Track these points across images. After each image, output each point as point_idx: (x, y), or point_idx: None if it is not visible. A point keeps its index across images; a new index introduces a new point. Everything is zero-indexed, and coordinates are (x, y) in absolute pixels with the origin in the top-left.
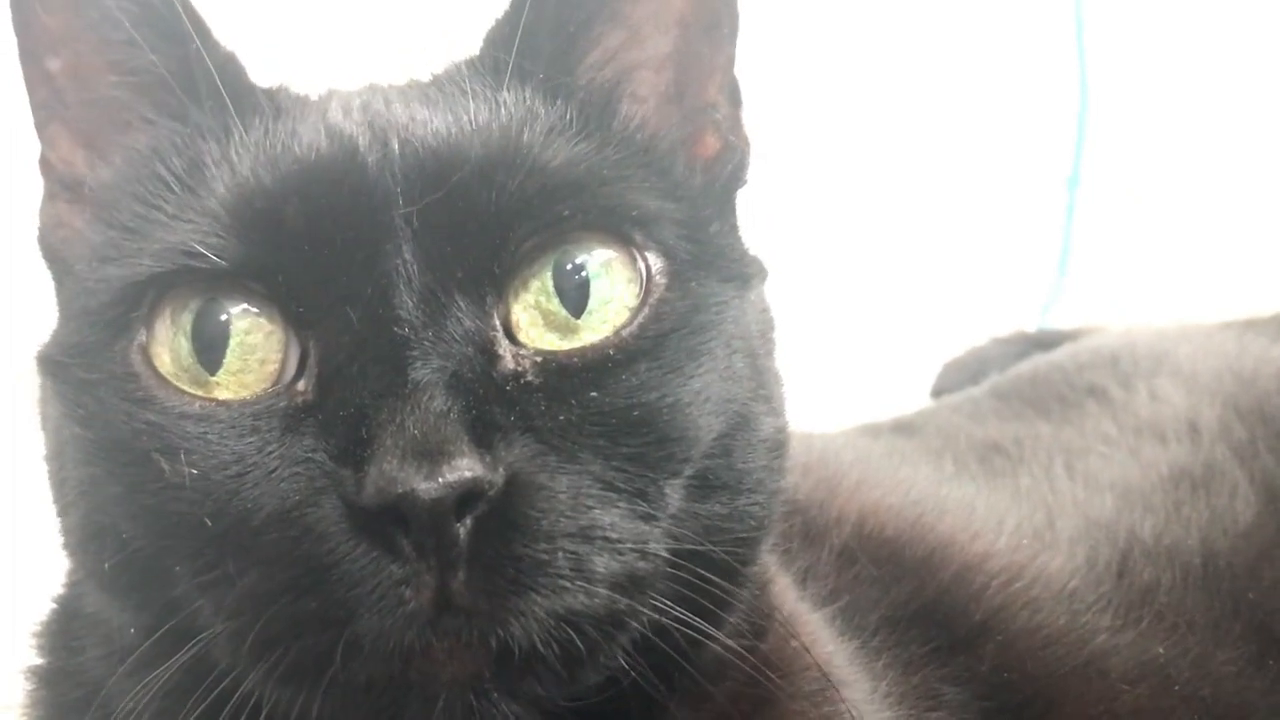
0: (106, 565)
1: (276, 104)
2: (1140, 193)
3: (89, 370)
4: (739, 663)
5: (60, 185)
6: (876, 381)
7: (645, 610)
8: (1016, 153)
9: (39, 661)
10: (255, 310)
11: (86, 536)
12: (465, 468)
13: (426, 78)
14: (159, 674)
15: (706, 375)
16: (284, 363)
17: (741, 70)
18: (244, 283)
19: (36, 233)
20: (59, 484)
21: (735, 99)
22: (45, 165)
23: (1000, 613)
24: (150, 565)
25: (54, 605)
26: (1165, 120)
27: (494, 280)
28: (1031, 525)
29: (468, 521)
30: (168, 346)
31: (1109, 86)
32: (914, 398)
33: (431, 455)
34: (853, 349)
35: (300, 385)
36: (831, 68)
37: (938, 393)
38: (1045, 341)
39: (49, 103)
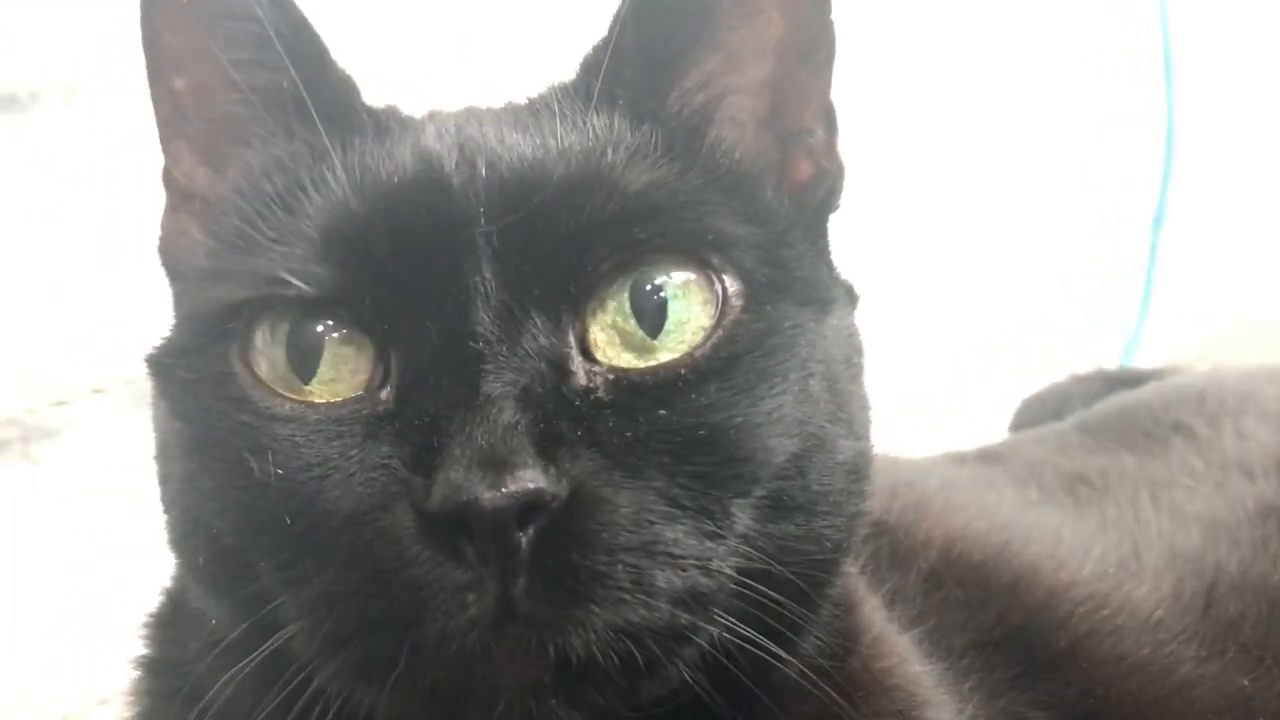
0: (201, 559)
1: (380, 126)
2: (1224, 233)
3: (190, 370)
4: (821, 683)
5: (181, 198)
6: (956, 416)
7: (709, 627)
8: (1102, 192)
9: (145, 652)
10: (345, 329)
11: (184, 532)
12: (529, 479)
13: (523, 100)
14: (243, 665)
15: (779, 397)
16: (372, 372)
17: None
18: (332, 308)
19: (158, 242)
20: (163, 481)
21: (831, 124)
22: (168, 178)
23: (1086, 640)
24: (237, 560)
25: (163, 598)
26: (1250, 161)
27: (570, 299)
28: (1118, 555)
29: (530, 531)
30: (265, 355)
31: (1195, 128)
32: (993, 434)
33: (496, 466)
34: (934, 383)
35: (383, 394)
36: (921, 106)
37: (1016, 428)
38: (1127, 380)
39: (173, 119)
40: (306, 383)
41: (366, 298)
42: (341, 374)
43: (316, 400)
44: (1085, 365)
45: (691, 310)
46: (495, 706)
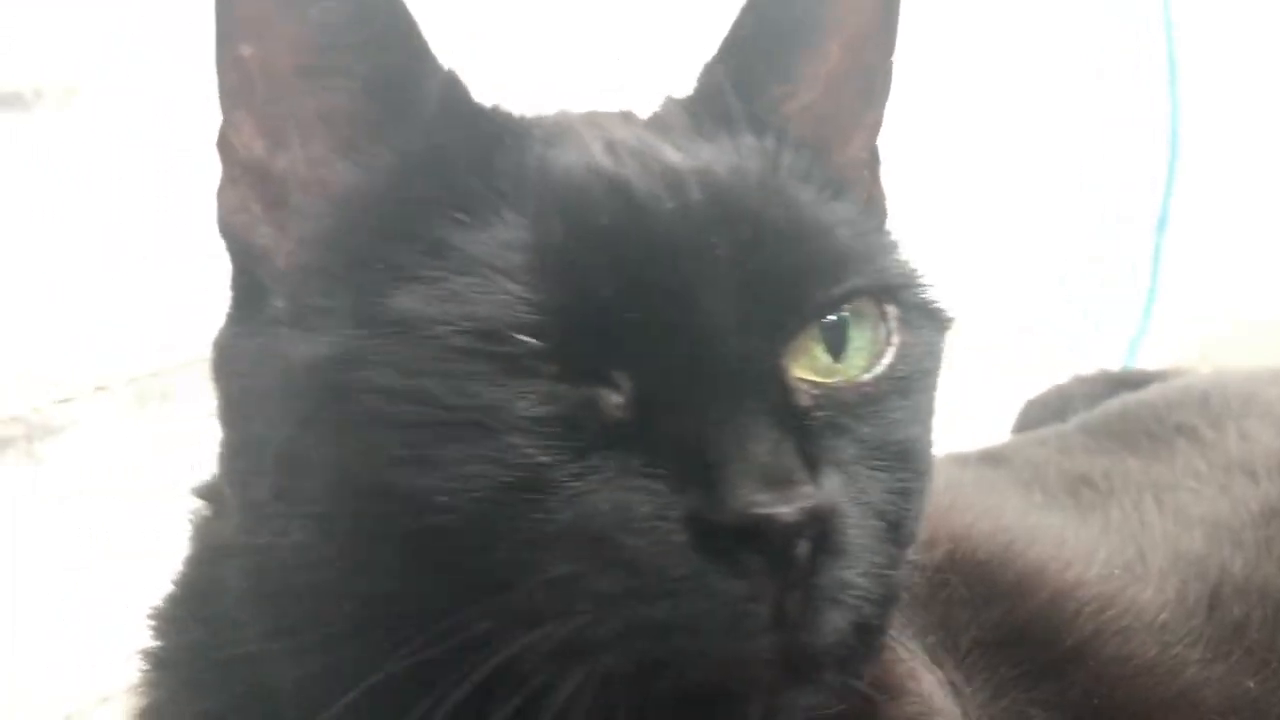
0: (413, 548)
1: (519, 136)
2: (1226, 234)
3: (398, 373)
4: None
5: (241, 169)
6: (958, 417)
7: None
8: (1104, 193)
9: (155, 644)
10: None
11: (373, 519)
12: (808, 495)
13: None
14: (412, 658)
15: (930, 415)
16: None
17: None
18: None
19: (218, 216)
20: (290, 463)
21: (877, 153)
22: (225, 147)
23: (1091, 640)
24: (464, 550)
25: (173, 588)
26: (1253, 162)
27: (780, 327)
28: (1123, 558)
29: (808, 545)
30: None
31: (1198, 128)
32: (995, 434)
33: (780, 483)
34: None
35: (615, 400)
36: (922, 107)
37: (1020, 430)
38: (1130, 381)
39: (238, 88)
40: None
41: (590, 329)
42: (546, 381)
43: (520, 403)
44: (1087, 366)
45: (864, 334)
46: (742, 707)
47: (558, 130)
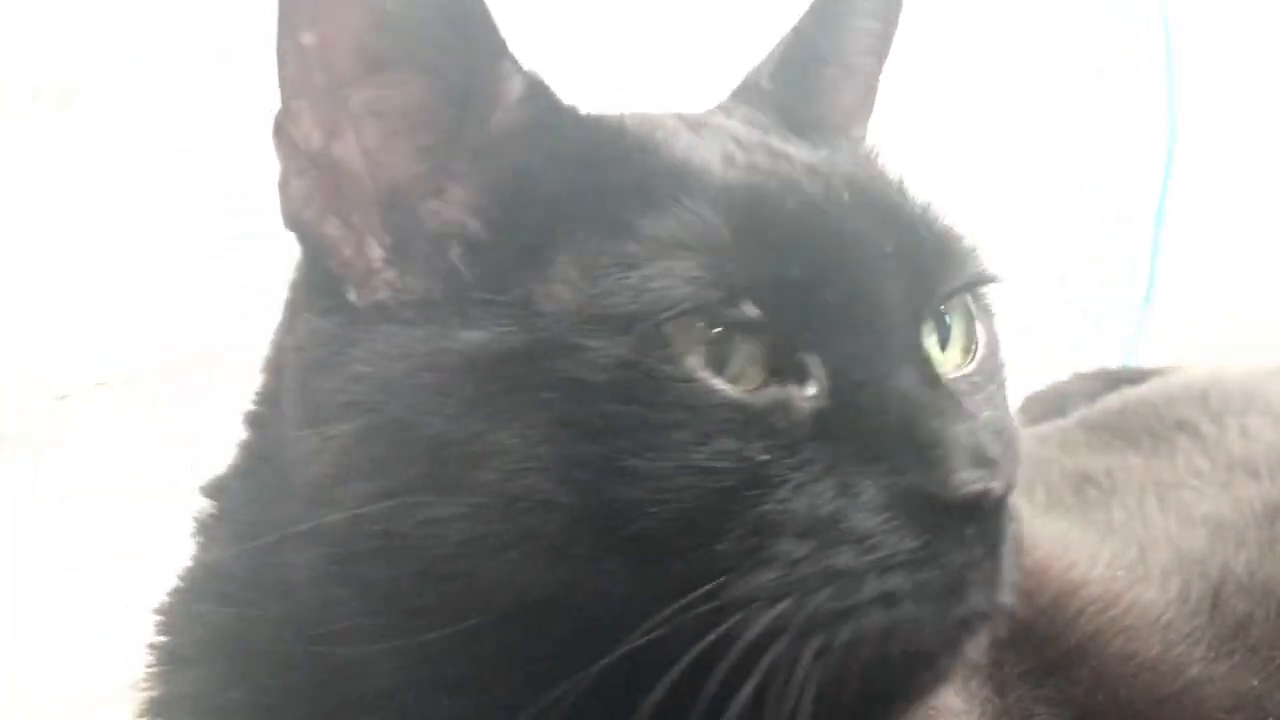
0: (616, 537)
1: (641, 135)
2: (1226, 233)
3: (583, 367)
4: None
5: (306, 160)
6: None
7: None
8: (1102, 192)
9: (166, 639)
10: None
11: (570, 514)
12: (1007, 471)
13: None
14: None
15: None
16: (772, 367)
17: None
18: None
19: (282, 209)
20: (453, 452)
21: None
22: (282, 137)
23: (1095, 638)
24: (684, 539)
25: (183, 583)
26: (1252, 161)
27: (920, 316)
28: (1126, 557)
29: (1006, 514)
30: (691, 352)
31: (1197, 127)
32: None
33: (987, 461)
34: None
35: (811, 390)
36: (920, 107)
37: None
38: (1129, 378)
39: (297, 77)
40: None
41: (788, 313)
42: (746, 371)
43: (733, 392)
44: (1086, 365)
45: (961, 325)
46: (933, 666)
47: (672, 129)
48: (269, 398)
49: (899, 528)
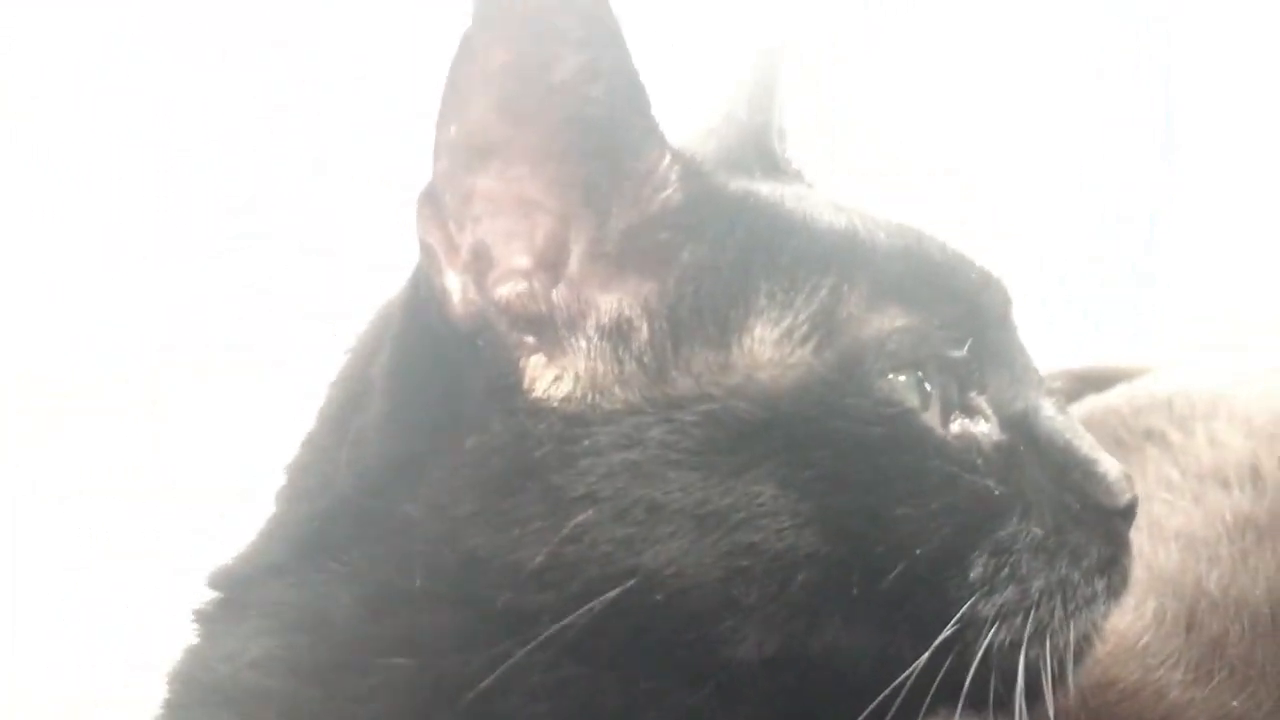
0: (872, 582)
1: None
2: (1225, 233)
3: (843, 415)
4: None
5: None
6: None
7: None
8: (1101, 192)
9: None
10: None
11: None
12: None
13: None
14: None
15: None
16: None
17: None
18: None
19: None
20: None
21: None
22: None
23: None
24: (939, 573)
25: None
26: (1251, 160)
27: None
28: None
29: None
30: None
31: (1197, 123)
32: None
33: (1127, 475)
34: None
35: (985, 428)
36: (917, 106)
37: None
38: (1093, 378)
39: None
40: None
41: (972, 351)
42: (939, 409)
43: (957, 432)
44: (1081, 359)
45: None
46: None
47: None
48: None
49: (1091, 537)
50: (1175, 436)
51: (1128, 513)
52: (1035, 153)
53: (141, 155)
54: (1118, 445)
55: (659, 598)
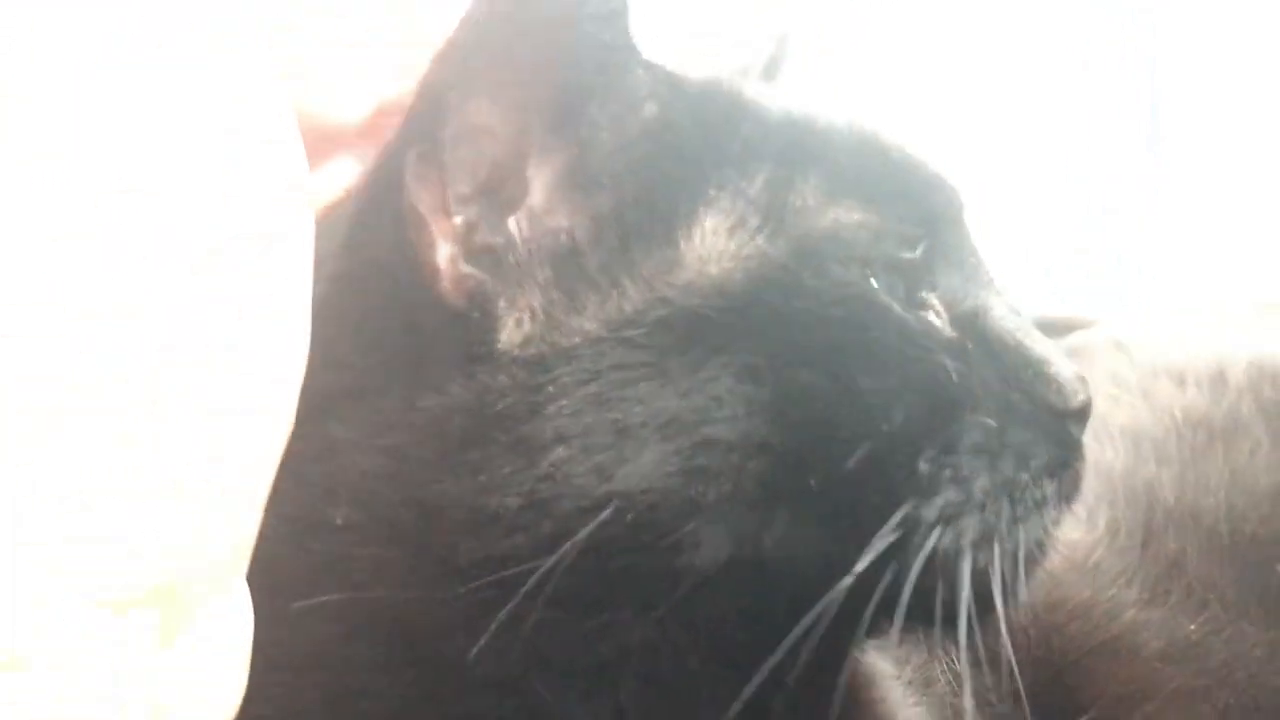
0: (826, 469)
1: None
2: (1210, 225)
3: (809, 297)
4: None
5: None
6: None
7: None
8: (1088, 184)
9: None
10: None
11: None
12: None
13: None
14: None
15: None
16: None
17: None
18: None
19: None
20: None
21: None
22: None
23: None
24: (890, 464)
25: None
26: (1235, 152)
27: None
28: None
29: None
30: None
31: (1182, 116)
32: None
33: (1080, 376)
34: None
35: (938, 323)
36: (913, 103)
37: None
38: (1054, 328)
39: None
40: None
41: (927, 252)
42: None
43: (915, 318)
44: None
45: None
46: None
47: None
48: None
49: (1041, 439)
50: (1136, 342)
51: (1080, 415)
52: (1021, 144)
53: None
54: (1073, 352)
55: (630, 519)
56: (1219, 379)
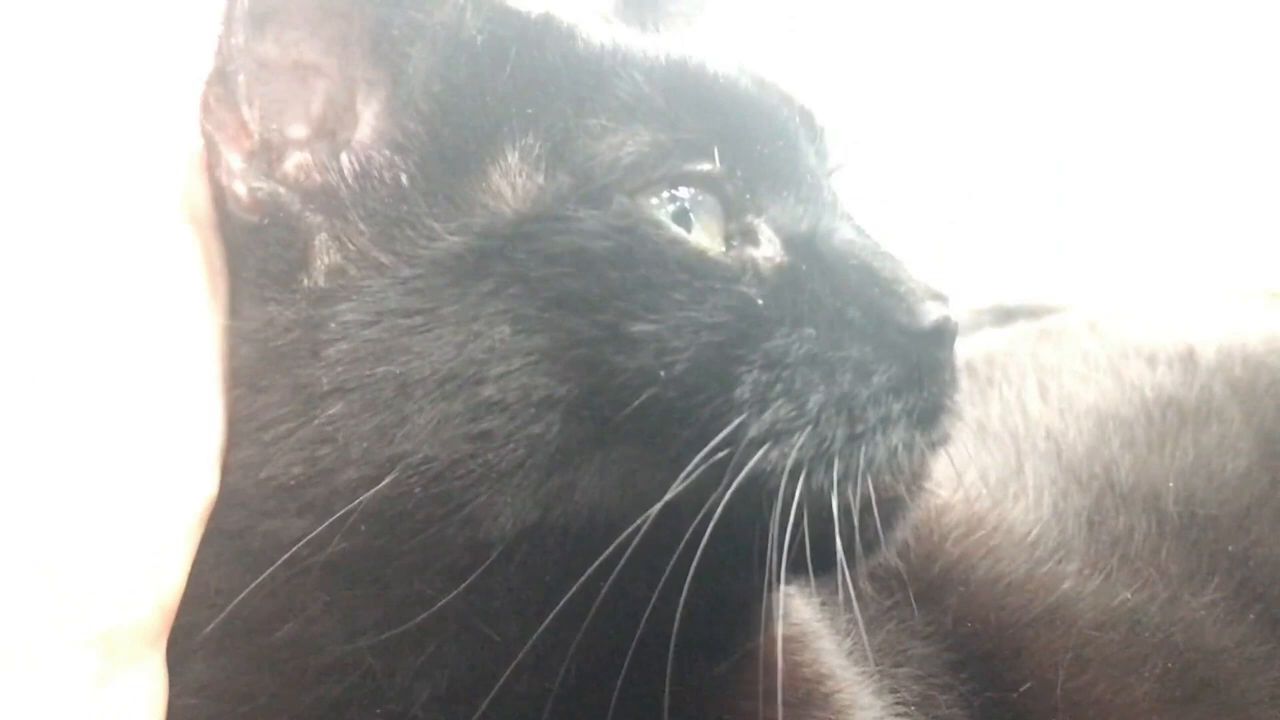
0: (621, 415)
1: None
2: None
3: (591, 232)
4: None
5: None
6: None
7: None
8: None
9: None
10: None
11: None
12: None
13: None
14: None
15: None
16: (729, 231)
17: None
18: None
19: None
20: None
21: None
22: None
23: (959, 564)
24: (696, 395)
25: None
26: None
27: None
28: (997, 473)
29: None
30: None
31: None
32: None
33: (940, 295)
34: None
35: (766, 252)
36: (909, 102)
37: None
38: (1025, 313)
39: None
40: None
41: (739, 172)
42: (707, 239)
43: (714, 251)
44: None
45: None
46: (906, 511)
47: (579, 17)
48: None
49: (886, 356)
50: (1108, 320)
51: (936, 336)
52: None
53: None
54: (1040, 331)
55: (418, 491)
56: (1189, 359)
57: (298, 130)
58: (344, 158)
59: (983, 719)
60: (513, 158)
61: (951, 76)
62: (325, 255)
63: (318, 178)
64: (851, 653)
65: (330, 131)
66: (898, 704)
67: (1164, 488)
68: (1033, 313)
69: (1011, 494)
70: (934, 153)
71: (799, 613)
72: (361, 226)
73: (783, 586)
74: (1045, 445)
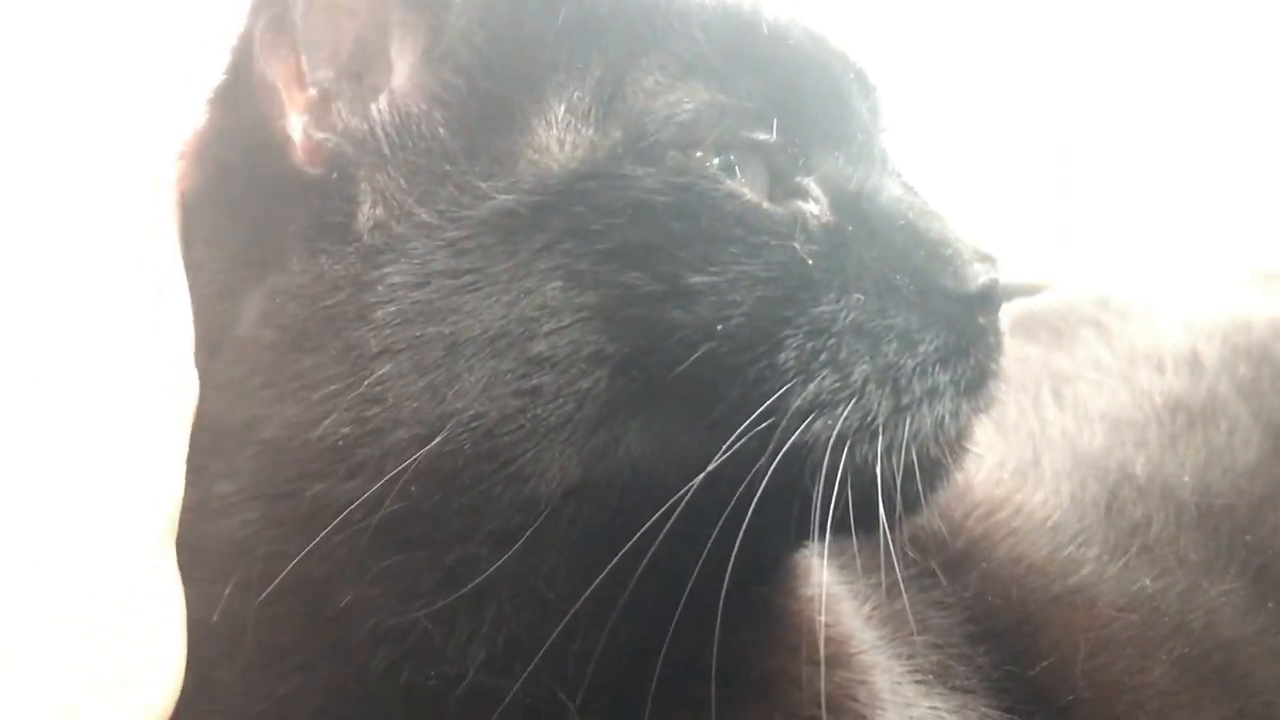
0: (672, 373)
1: None
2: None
3: (654, 185)
4: None
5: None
6: None
7: None
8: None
9: None
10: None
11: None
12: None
13: None
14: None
15: None
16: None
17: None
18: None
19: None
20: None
21: None
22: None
23: (982, 541)
24: (745, 353)
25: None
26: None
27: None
28: (1016, 462)
29: None
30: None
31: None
32: None
33: (988, 256)
34: None
35: (814, 209)
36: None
37: None
38: (1021, 291)
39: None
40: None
41: (795, 138)
42: (756, 192)
43: (769, 206)
44: None
45: None
46: (949, 474)
47: None
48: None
49: (932, 322)
50: (1113, 323)
51: (983, 300)
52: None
53: None
54: (1049, 330)
55: (468, 448)
56: (1194, 362)
57: (329, 74)
58: (382, 104)
59: (1000, 692)
60: (560, 111)
61: (955, 65)
62: (371, 209)
63: (359, 124)
64: (870, 618)
65: (358, 74)
66: (915, 670)
67: (1179, 482)
68: (1026, 291)
69: (1030, 483)
70: (938, 141)
71: (816, 574)
72: (403, 183)
73: (814, 547)
74: (1062, 443)
